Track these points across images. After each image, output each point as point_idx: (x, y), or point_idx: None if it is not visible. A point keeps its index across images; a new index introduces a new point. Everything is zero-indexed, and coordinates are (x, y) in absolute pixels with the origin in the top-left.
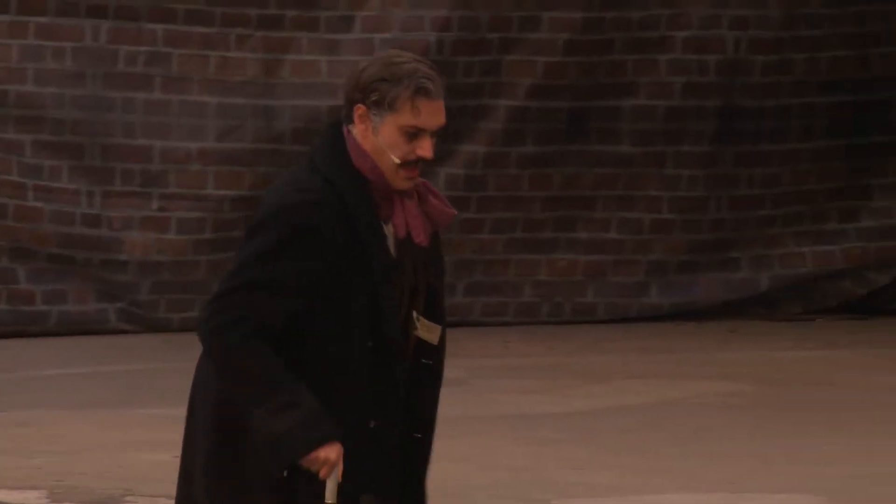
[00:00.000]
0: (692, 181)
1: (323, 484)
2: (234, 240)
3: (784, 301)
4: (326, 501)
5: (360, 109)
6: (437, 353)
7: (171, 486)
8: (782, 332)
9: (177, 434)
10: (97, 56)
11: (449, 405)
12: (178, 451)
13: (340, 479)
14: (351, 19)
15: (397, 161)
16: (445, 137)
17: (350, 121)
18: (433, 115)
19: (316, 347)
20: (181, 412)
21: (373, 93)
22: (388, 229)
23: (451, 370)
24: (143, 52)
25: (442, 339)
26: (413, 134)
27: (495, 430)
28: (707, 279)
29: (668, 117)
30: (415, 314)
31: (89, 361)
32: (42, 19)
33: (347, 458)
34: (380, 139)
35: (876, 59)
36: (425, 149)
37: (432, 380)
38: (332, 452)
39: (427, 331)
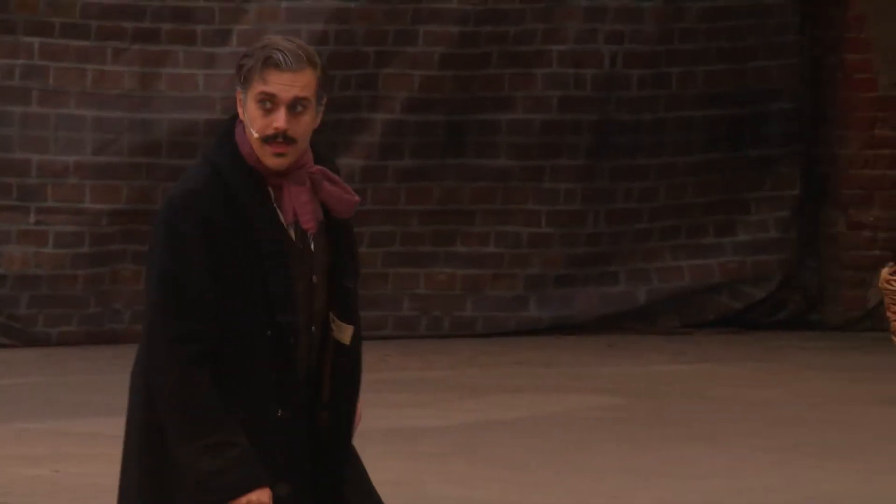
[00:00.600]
0: (570, 195)
1: None
2: (112, 253)
3: (662, 315)
4: None
5: (238, 94)
6: (349, 352)
7: (49, 501)
8: (660, 346)
9: (55, 448)
10: None
11: None
12: (58, 465)
13: None
14: (227, 33)
15: (256, 135)
16: None
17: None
18: (284, 84)
19: (220, 337)
20: (60, 426)
21: (239, 72)
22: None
23: None
24: (19, 66)
25: (356, 336)
26: (268, 107)
27: (374, 444)
28: (585, 293)
29: (545, 131)
30: (331, 315)
31: None
32: None
33: (258, 448)
34: (246, 117)
35: (751, 73)
36: (279, 120)
37: (346, 377)
38: (262, 496)
39: (339, 331)
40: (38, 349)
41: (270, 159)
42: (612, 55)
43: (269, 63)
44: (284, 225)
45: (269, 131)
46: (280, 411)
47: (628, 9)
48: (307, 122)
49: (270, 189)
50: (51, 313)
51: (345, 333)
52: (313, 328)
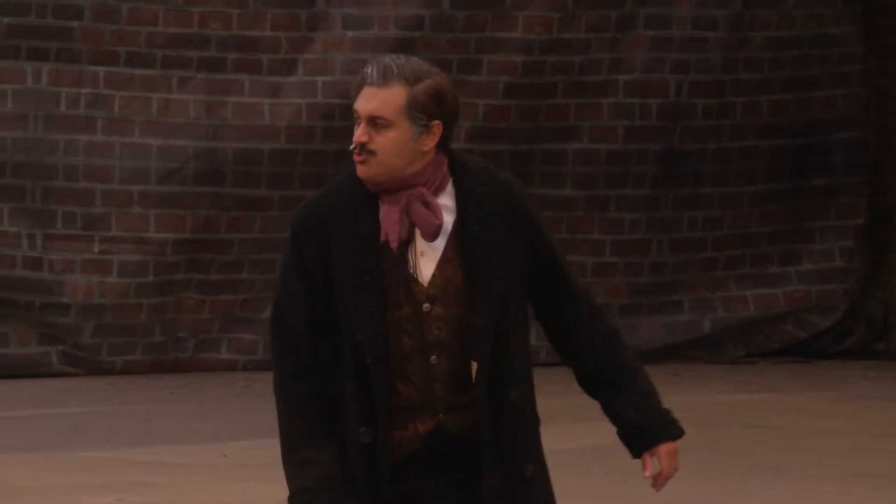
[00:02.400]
0: (634, 224)
1: None
2: (176, 282)
3: (726, 344)
4: None
5: None
6: (481, 389)
7: None
8: (724, 375)
9: (119, 476)
10: (38, 98)
11: None
12: (122, 494)
13: None
14: (293, 62)
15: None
16: None
17: None
18: (365, 99)
19: (319, 355)
20: (124, 455)
21: None
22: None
23: None
24: (84, 94)
25: (484, 377)
26: (357, 121)
27: None
28: (649, 322)
29: (611, 161)
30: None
31: (31, 404)
32: None
33: (348, 470)
34: None
35: (815, 103)
36: (357, 133)
37: (493, 420)
38: None
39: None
40: (103, 378)
41: (357, 170)
42: (677, 84)
43: (360, 78)
44: (379, 244)
45: (353, 144)
46: (364, 436)
47: (694, 38)
48: (391, 139)
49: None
50: (115, 342)
51: (472, 369)
52: (433, 358)
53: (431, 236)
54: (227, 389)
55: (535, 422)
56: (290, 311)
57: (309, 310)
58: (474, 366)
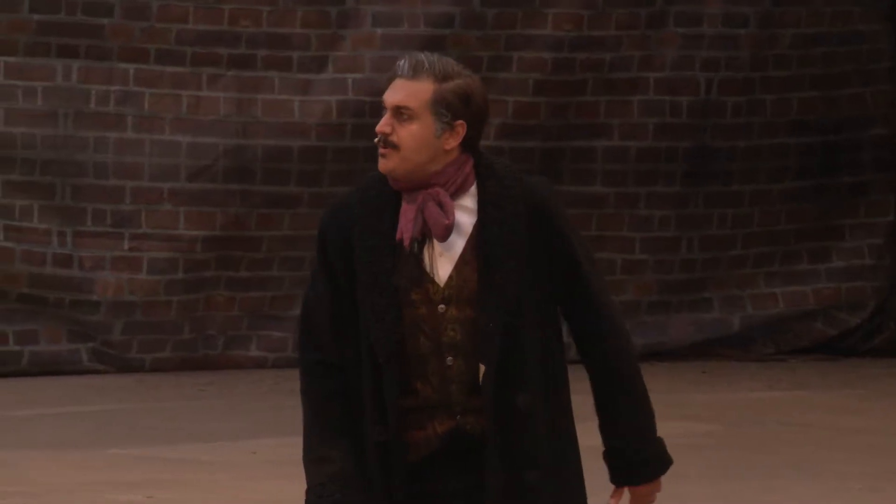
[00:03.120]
0: (664, 222)
1: None
2: (205, 280)
3: (756, 341)
4: None
5: None
6: (489, 394)
7: None
8: (754, 373)
9: (150, 474)
10: (68, 95)
11: None
12: (151, 491)
13: None
14: (323, 59)
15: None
16: None
17: None
18: (392, 90)
19: (344, 354)
20: (154, 452)
21: None
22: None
23: None
24: (114, 92)
25: (490, 380)
26: (384, 112)
27: None
28: (679, 319)
29: (641, 158)
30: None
31: (61, 402)
32: (12, 59)
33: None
34: None
35: (845, 100)
36: (381, 122)
37: (499, 421)
38: None
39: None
40: (132, 375)
41: (379, 163)
42: (707, 82)
43: (393, 71)
44: (395, 242)
45: (377, 133)
46: (378, 434)
47: (724, 35)
48: (414, 132)
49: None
50: (144, 339)
51: (479, 372)
52: (449, 359)
53: (442, 236)
54: (257, 387)
55: (554, 428)
56: (316, 310)
57: (334, 309)
58: (482, 368)
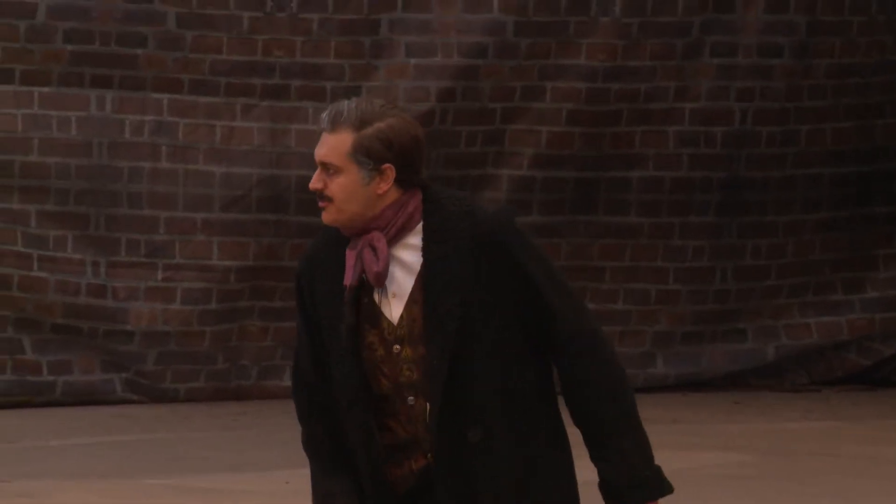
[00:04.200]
0: (698, 252)
1: None
2: (239, 310)
3: (790, 372)
4: None
5: None
6: (437, 431)
7: None
8: (788, 403)
9: (183, 503)
10: (102, 125)
11: None
12: None
13: None
14: (357, 90)
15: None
16: None
17: None
18: (319, 145)
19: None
20: (186, 482)
21: None
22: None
23: None
24: (148, 122)
25: (439, 417)
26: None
27: None
28: (713, 350)
29: (675, 188)
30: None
31: (94, 431)
32: (46, 89)
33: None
34: None
35: (879, 130)
36: (313, 179)
37: (451, 459)
38: None
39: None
40: (166, 405)
41: (322, 215)
42: (742, 112)
43: (319, 123)
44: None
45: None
46: (365, 473)
47: (759, 66)
48: (342, 184)
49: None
50: (178, 369)
51: (425, 407)
52: (410, 399)
53: (375, 282)
54: (290, 417)
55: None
56: (301, 355)
57: (315, 350)
58: (427, 405)
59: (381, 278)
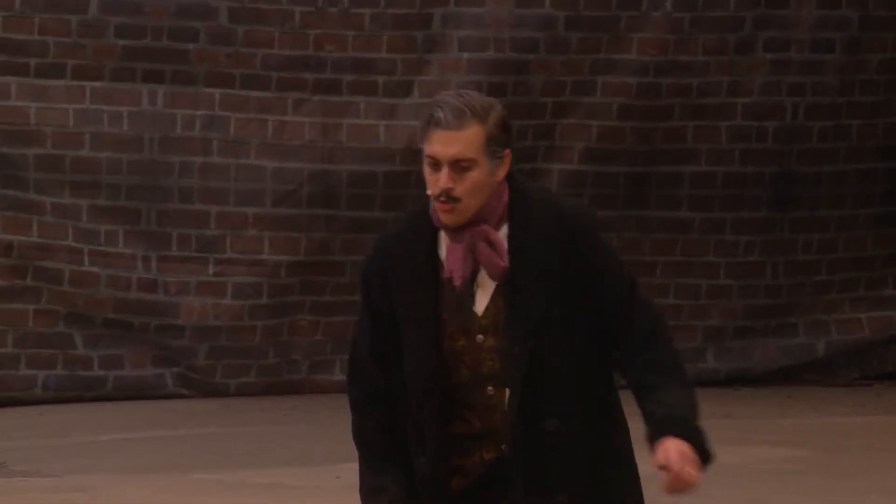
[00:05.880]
0: (749, 247)
1: None
2: (290, 305)
3: (841, 366)
4: None
5: None
6: (512, 418)
7: None
8: (840, 398)
9: (234, 498)
10: (154, 120)
11: None
12: None
13: None
14: (409, 84)
15: (429, 194)
16: None
17: None
18: (443, 144)
19: (390, 387)
20: (237, 476)
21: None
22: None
23: None
24: (200, 117)
25: (515, 405)
26: (434, 165)
27: None
28: (764, 344)
29: (727, 183)
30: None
31: (146, 426)
32: (98, 84)
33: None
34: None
35: None
36: (442, 179)
37: (527, 448)
38: None
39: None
40: (217, 399)
41: (441, 216)
42: (794, 107)
43: (432, 123)
44: (441, 280)
45: (436, 191)
46: (422, 465)
47: (811, 61)
48: (474, 180)
49: (445, 244)
50: (229, 364)
51: (504, 398)
52: (489, 389)
53: (498, 278)
54: (341, 411)
55: (599, 450)
56: (361, 346)
57: (376, 343)
58: (506, 392)
59: (505, 274)
